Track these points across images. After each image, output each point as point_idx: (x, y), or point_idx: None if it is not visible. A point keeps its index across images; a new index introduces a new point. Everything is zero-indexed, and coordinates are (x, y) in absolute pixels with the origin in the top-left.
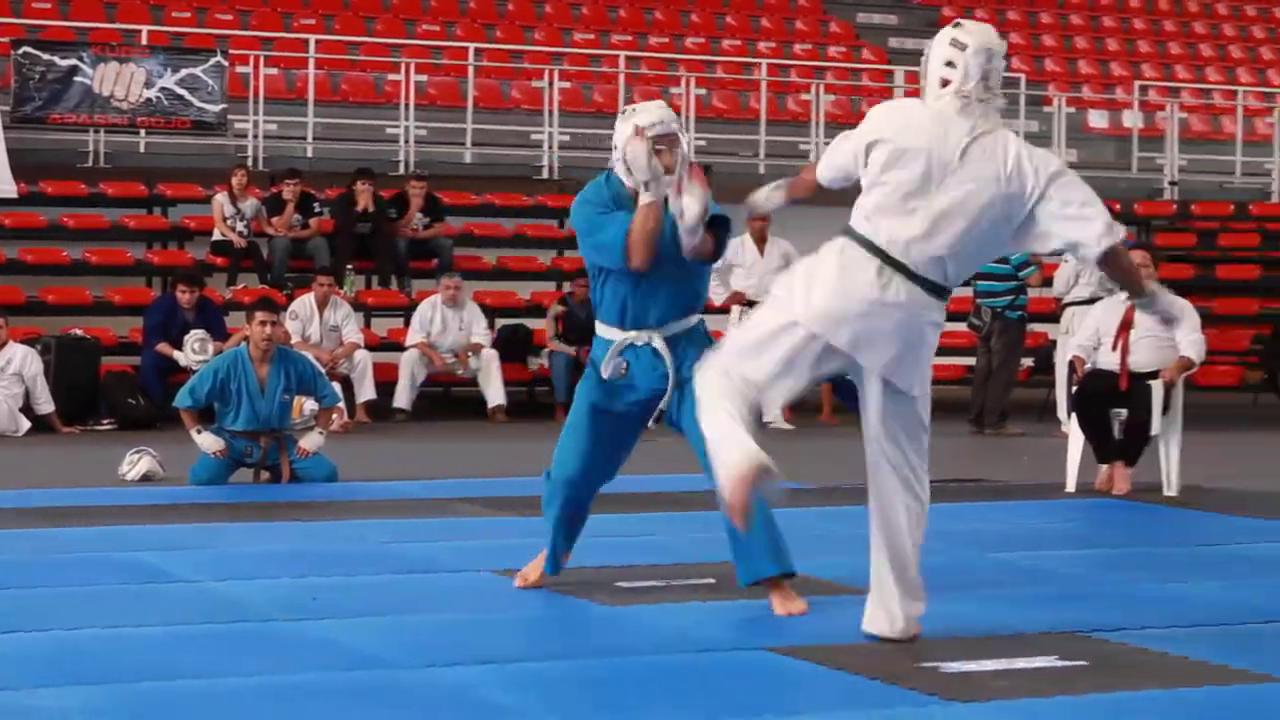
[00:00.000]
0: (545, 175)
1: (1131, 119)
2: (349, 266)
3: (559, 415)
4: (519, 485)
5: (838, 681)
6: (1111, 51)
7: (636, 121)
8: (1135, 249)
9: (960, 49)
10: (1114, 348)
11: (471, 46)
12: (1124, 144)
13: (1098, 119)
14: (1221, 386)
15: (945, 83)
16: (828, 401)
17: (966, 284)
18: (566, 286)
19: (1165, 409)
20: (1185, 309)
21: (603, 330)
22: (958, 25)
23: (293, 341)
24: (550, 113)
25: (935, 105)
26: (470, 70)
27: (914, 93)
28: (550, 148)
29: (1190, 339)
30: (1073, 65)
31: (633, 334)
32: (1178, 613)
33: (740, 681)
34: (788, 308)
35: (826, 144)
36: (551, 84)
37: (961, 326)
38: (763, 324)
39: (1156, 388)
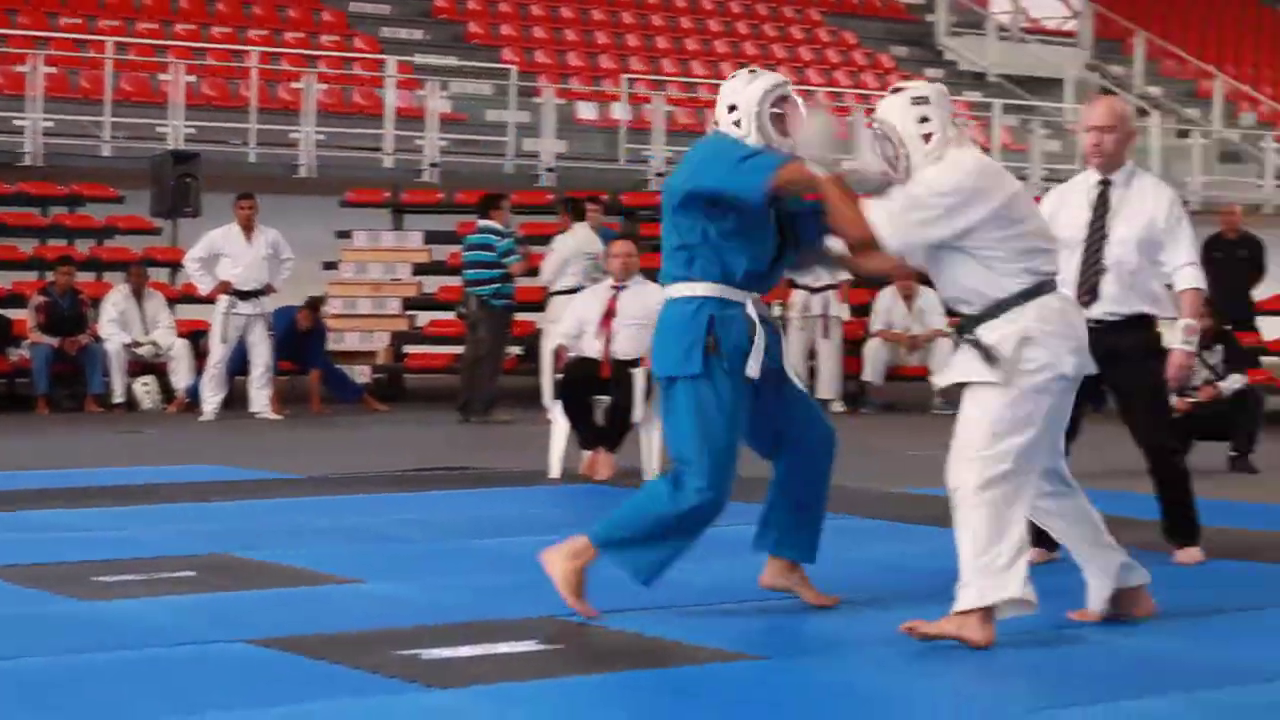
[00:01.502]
0: (28, 162)
1: (620, 111)
2: None
3: (41, 408)
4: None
5: (317, 672)
6: (600, 44)
7: (781, 90)
8: (620, 238)
9: (925, 104)
10: (597, 335)
11: None
12: (612, 135)
13: (587, 111)
14: None
15: (928, 137)
16: (315, 393)
17: (455, 273)
18: (49, 276)
19: (647, 396)
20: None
21: (712, 289)
22: (899, 90)
23: None
24: (34, 98)
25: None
26: None
27: (408, 84)
28: (35, 134)
29: None
30: (562, 57)
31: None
32: (656, 595)
33: (219, 675)
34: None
35: (318, 133)
36: (36, 69)
37: (450, 315)
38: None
39: (639, 375)
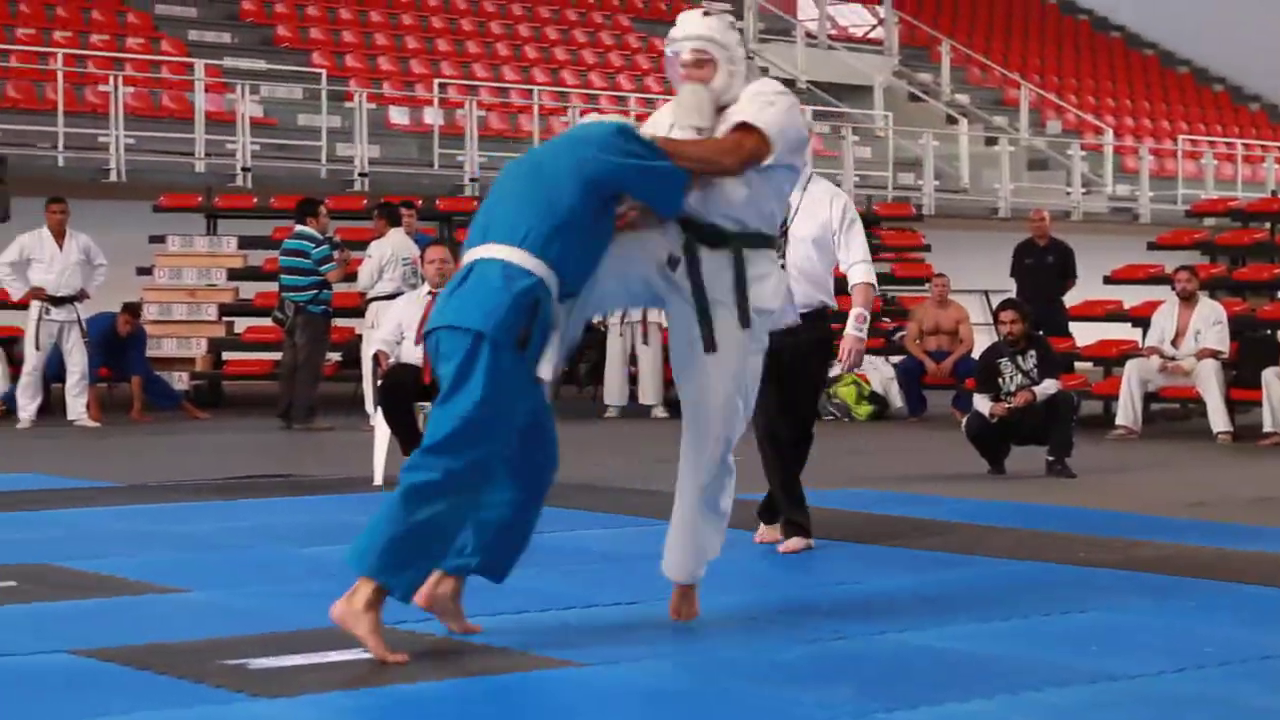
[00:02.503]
0: None
1: (432, 116)
2: None
3: None
4: None
5: (143, 682)
6: (411, 49)
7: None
8: (435, 244)
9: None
10: (417, 342)
11: None
12: (426, 140)
13: (399, 115)
14: None
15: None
16: (138, 399)
17: (272, 278)
18: None
19: None
20: None
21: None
22: (707, 13)
23: None
24: None
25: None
26: None
27: (217, 87)
28: None
29: None
30: (373, 61)
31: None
32: (482, 601)
33: (42, 687)
34: None
35: (128, 137)
36: None
37: (268, 321)
38: None
39: None
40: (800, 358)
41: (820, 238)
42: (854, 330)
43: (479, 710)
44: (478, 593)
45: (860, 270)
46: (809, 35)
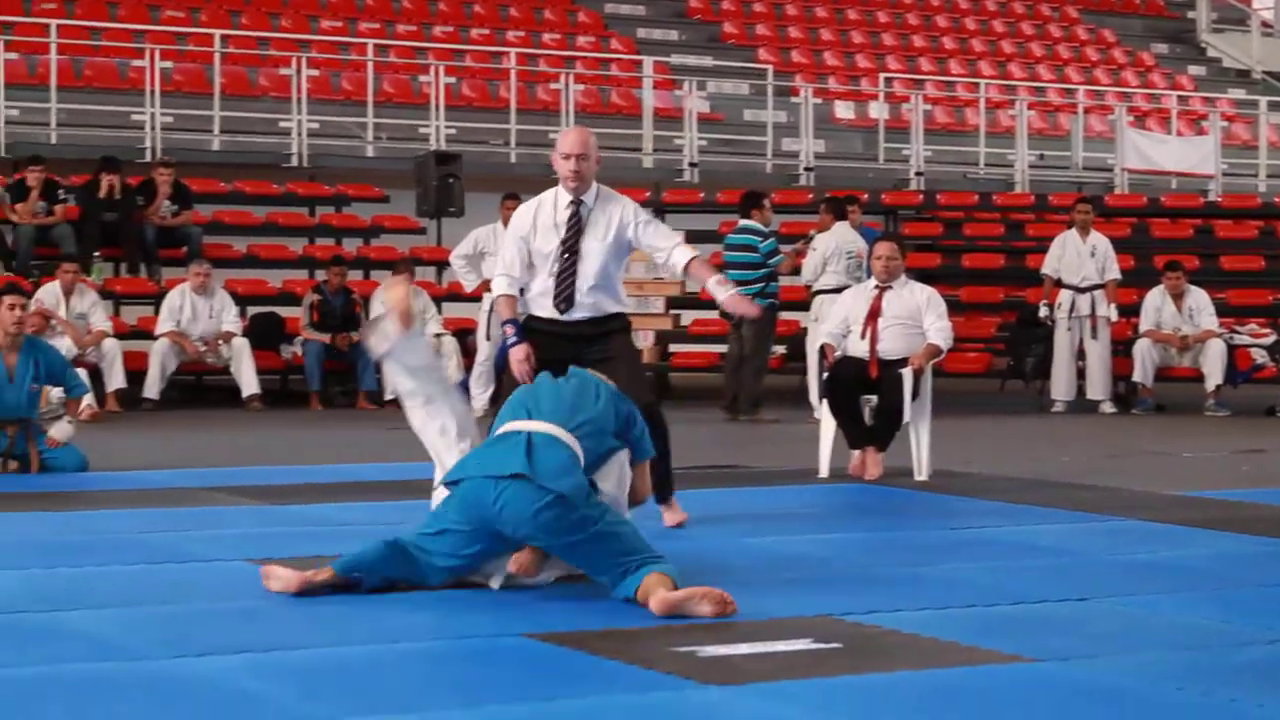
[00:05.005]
0: (295, 163)
1: (878, 110)
2: (95, 254)
3: (314, 404)
4: (273, 474)
5: (594, 667)
6: (857, 44)
7: None
8: (883, 239)
9: None
10: (863, 335)
11: (217, 34)
12: (871, 135)
13: (844, 110)
14: (969, 374)
15: None
16: None
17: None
18: (320, 275)
19: (915, 395)
20: (932, 297)
21: None
22: None
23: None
24: (299, 100)
25: None
26: (216, 57)
27: (665, 84)
28: (299, 135)
29: (937, 326)
30: (819, 56)
31: None
32: (930, 595)
33: (500, 669)
34: None
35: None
36: (299, 71)
37: (713, 314)
38: None
39: (906, 374)
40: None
41: (615, 244)
42: (725, 290)
43: (927, 704)
44: (920, 585)
45: (682, 250)
46: (1265, 24)
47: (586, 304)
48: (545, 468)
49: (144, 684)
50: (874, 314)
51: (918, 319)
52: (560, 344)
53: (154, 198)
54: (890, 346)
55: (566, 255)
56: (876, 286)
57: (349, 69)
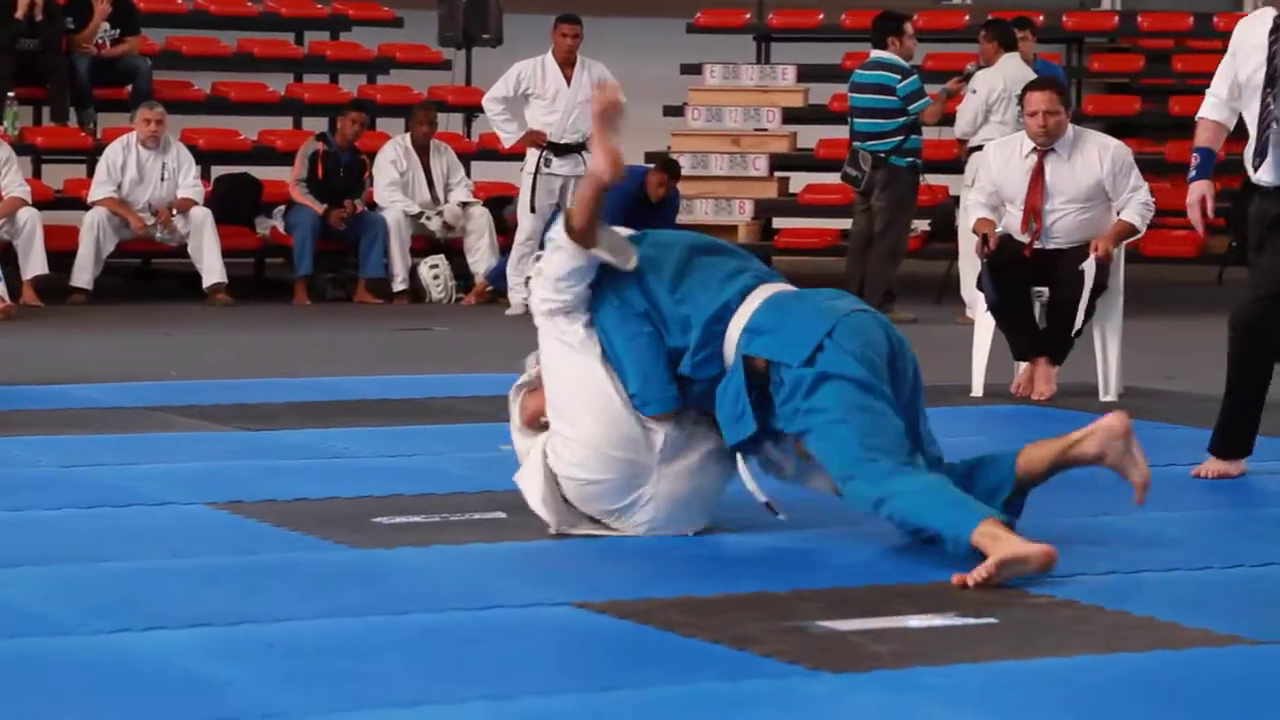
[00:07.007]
0: None
1: None
2: (9, 94)
3: (299, 296)
4: (244, 389)
5: (668, 645)
6: None
7: None
8: (1037, 86)
9: None
10: (1024, 228)
11: None
12: None
13: None
14: (1176, 258)
15: None
16: None
17: (841, 121)
18: (310, 124)
19: (1100, 289)
20: (1118, 158)
21: None
22: None
23: None
24: None
25: None
26: None
27: None
28: None
29: (1132, 198)
30: None
31: None
32: (1118, 555)
33: (542, 648)
34: None
35: None
36: None
37: (834, 178)
38: None
39: (1088, 266)
40: None
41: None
42: None
43: (1112, 700)
44: (1106, 541)
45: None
46: None
47: None
48: None
49: (70, 666)
50: (1035, 190)
51: (1098, 191)
52: None
53: (88, 18)
54: (1061, 234)
55: None
56: (1034, 149)
57: None
